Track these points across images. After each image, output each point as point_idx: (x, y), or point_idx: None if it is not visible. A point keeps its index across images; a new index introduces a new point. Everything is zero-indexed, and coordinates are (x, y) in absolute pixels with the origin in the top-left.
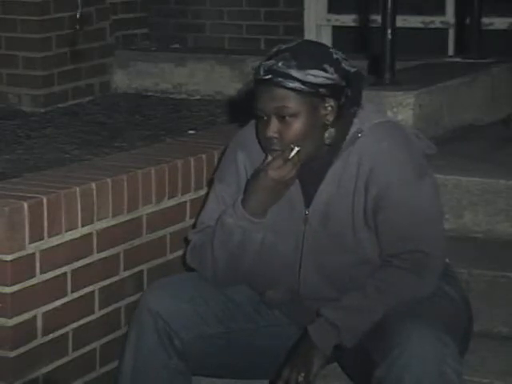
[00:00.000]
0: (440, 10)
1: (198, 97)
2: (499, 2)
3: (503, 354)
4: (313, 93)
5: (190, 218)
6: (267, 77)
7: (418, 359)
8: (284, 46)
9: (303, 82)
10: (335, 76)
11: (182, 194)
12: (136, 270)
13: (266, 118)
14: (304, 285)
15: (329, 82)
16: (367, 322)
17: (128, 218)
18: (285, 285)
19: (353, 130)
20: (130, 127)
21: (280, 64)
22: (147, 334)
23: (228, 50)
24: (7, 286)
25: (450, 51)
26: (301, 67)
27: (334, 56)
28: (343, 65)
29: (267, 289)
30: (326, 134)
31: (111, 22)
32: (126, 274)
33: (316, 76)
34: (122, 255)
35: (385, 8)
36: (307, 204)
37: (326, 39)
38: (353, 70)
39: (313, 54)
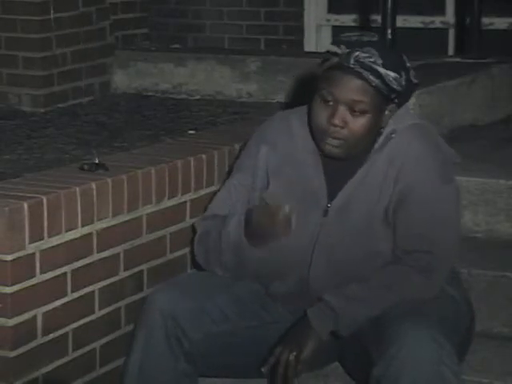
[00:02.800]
0: (440, 10)
1: (197, 97)
2: (499, 2)
3: (503, 354)
4: (385, 95)
5: (190, 217)
6: (355, 66)
7: (414, 359)
8: (365, 38)
9: (384, 82)
10: (404, 84)
11: (182, 194)
12: (136, 270)
13: (332, 103)
14: (314, 276)
15: (399, 88)
16: (366, 313)
17: (128, 217)
18: (295, 275)
19: (387, 130)
20: (130, 127)
21: (372, 59)
22: (156, 335)
23: (228, 50)
24: (7, 285)
25: (450, 51)
26: (385, 67)
27: (407, 64)
28: (411, 75)
29: (276, 279)
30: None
31: (111, 22)
32: (126, 274)
33: (394, 79)
34: (121, 255)
35: (385, 8)
36: (331, 199)
37: (326, 39)
38: (415, 81)
39: (394, 57)
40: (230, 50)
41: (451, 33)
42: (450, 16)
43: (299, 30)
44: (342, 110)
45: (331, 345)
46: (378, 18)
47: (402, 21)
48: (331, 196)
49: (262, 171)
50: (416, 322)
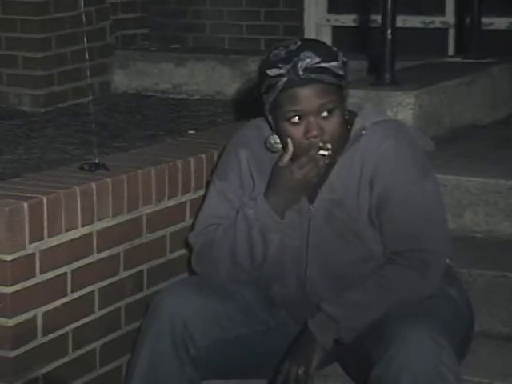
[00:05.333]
0: (440, 10)
1: (197, 97)
2: (499, 2)
3: (503, 354)
4: (338, 84)
5: (190, 218)
6: (309, 75)
7: (414, 360)
8: (293, 46)
9: (335, 75)
10: (344, 67)
11: (182, 194)
12: (136, 270)
13: (298, 119)
14: (310, 277)
15: (343, 73)
16: (366, 317)
17: (128, 217)
18: (293, 277)
19: (356, 127)
20: (130, 127)
21: (316, 61)
22: (163, 340)
23: (228, 50)
24: (7, 285)
25: (450, 51)
26: (327, 61)
27: (334, 48)
28: (341, 55)
29: (275, 281)
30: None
31: (111, 22)
32: (126, 273)
33: (338, 67)
34: (121, 255)
35: (385, 8)
36: (311, 200)
37: (326, 39)
38: (345, 60)
39: (325, 48)
40: (230, 50)
41: (451, 33)
42: (450, 16)
43: (299, 30)
44: (313, 120)
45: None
46: (378, 17)
47: (401, 21)
48: (312, 197)
49: (247, 173)
50: (415, 322)
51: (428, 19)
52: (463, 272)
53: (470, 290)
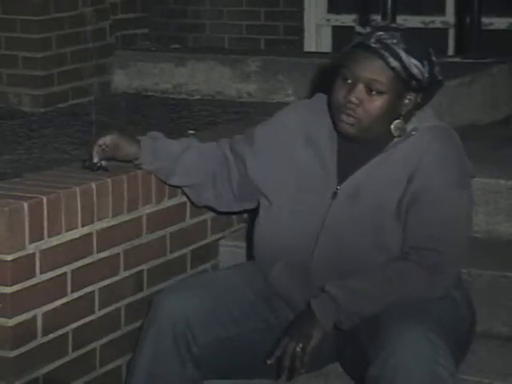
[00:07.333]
0: (440, 10)
1: (198, 97)
2: (499, 2)
3: (503, 354)
4: (405, 80)
5: (190, 217)
6: (376, 46)
7: (410, 359)
8: (393, 25)
9: (404, 67)
10: (427, 75)
11: (182, 194)
12: (136, 269)
13: (350, 81)
14: (316, 262)
15: (421, 78)
16: (366, 306)
17: (128, 218)
18: (297, 259)
19: (409, 127)
20: (129, 127)
21: (393, 40)
22: (165, 339)
23: (228, 50)
24: (7, 285)
25: (450, 51)
26: (407, 52)
27: (433, 58)
28: (435, 70)
29: (278, 261)
30: (396, 126)
31: (111, 22)
32: (126, 274)
33: (416, 67)
34: (121, 255)
35: (385, 8)
36: (340, 182)
37: (326, 39)
38: (440, 77)
39: (419, 46)
40: (230, 50)
41: (451, 33)
42: (450, 16)
43: (299, 30)
44: (360, 89)
45: (331, 344)
46: (378, 18)
47: (402, 21)
48: (341, 178)
49: (261, 151)
50: (413, 322)
51: (428, 19)
52: (463, 272)
53: (470, 290)
